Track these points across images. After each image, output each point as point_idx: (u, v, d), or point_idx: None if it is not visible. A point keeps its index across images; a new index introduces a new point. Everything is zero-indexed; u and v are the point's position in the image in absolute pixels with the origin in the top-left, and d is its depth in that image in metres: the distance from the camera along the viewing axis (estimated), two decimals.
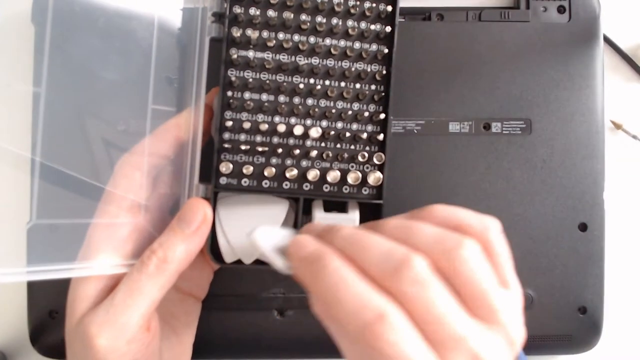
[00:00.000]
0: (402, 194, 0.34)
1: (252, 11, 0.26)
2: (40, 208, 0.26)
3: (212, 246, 0.27)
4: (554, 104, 0.34)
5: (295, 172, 0.26)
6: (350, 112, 0.27)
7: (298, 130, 0.26)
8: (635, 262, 0.38)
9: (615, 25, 0.38)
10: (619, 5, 0.39)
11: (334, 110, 0.27)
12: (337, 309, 0.19)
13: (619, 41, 0.39)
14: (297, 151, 0.26)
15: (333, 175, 0.26)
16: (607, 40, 0.38)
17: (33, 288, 0.33)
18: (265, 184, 0.27)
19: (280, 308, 0.33)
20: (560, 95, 0.34)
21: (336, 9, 0.26)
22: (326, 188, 0.27)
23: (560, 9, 0.35)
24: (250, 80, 0.26)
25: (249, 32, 0.26)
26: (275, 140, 0.27)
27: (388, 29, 0.27)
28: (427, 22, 0.34)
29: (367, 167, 0.27)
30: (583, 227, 0.34)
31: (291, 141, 0.27)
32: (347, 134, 0.27)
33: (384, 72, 0.27)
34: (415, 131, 0.34)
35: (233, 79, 0.26)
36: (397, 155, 0.33)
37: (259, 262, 0.28)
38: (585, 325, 0.34)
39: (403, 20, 0.34)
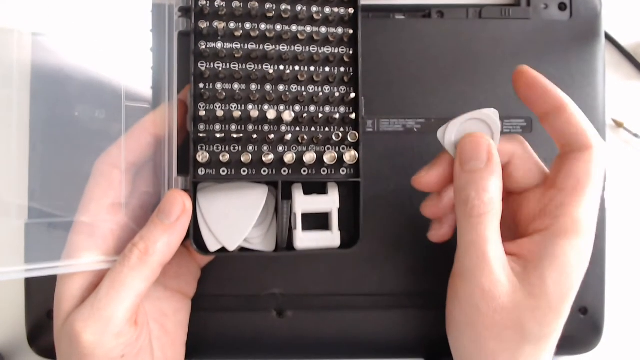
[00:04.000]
0: (404, 194, 0.33)
1: (218, 3, 0.27)
2: (37, 206, 0.27)
3: (195, 237, 0.27)
4: None
5: (271, 156, 0.27)
6: (321, 95, 0.28)
7: (271, 115, 0.27)
8: (636, 262, 0.38)
9: (617, 22, 0.38)
10: (621, 2, 0.39)
11: (305, 94, 0.27)
12: (582, 118, 0.27)
13: (620, 39, 0.39)
14: (272, 136, 0.27)
15: (309, 157, 0.27)
16: (608, 37, 0.38)
17: (31, 288, 0.32)
18: (244, 171, 0.27)
19: (279, 308, 0.33)
20: None
21: None
22: (304, 171, 0.27)
23: (561, 6, 0.35)
24: (221, 70, 0.27)
25: (215, 23, 0.27)
26: (250, 127, 0.27)
27: (351, 10, 0.28)
28: (427, 20, 0.35)
29: (343, 147, 0.28)
30: None
31: (266, 127, 0.27)
32: (320, 116, 0.27)
33: (351, 53, 0.28)
34: (416, 129, 0.34)
35: (203, 70, 0.27)
36: (397, 154, 0.34)
37: (243, 250, 0.28)
38: (586, 326, 0.34)
39: (403, 17, 0.35)
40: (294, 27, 0.27)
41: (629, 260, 0.38)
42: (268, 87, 0.27)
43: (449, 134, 0.27)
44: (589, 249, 0.26)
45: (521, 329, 0.25)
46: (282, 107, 0.27)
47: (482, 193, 0.26)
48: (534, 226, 0.27)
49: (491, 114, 0.27)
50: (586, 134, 0.26)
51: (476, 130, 0.27)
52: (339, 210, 0.28)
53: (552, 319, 0.26)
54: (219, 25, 0.27)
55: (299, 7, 0.27)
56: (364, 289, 0.33)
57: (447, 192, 0.29)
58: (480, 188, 0.26)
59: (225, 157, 0.26)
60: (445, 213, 0.30)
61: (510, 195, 0.29)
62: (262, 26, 0.27)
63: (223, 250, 0.27)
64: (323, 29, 0.28)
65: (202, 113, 0.26)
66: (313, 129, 0.28)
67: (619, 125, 0.38)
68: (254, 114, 0.27)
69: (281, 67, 0.27)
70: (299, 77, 0.27)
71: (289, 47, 0.27)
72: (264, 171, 0.27)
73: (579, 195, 0.26)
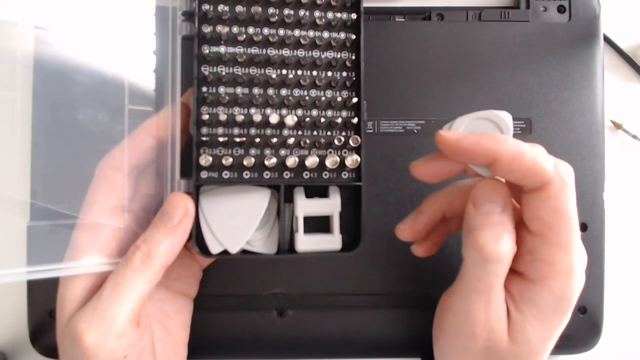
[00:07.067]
0: (404, 194, 0.34)
1: (221, 7, 0.27)
2: (39, 207, 0.27)
3: (198, 239, 0.27)
4: (554, 103, 0.34)
5: (274, 160, 0.27)
6: (323, 99, 0.28)
7: (274, 119, 0.27)
8: (635, 262, 0.38)
9: (615, 24, 0.39)
10: (619, 4, 0.39)
11: (307, 98, 0.28)
12: (522, 160, 0.24)
13: (619, 41, 0.39)
14: (274, 140, 0.27)
15: (312, 161, 0.27)
16: (607, 39, 0.38)
17: (33, 288, 0.33)
18: (246, 174, 0.27)
19: (280, 308, 0.33)
20: (560, 95, 0.34)
21: (303, 0, 0.27)
22: (306, 175, 0.28)
23: (560, 9, 0.35)
24: (224, 74, 0.27)
25: (219, 28, 0.27)
26: (253, 131, 0.27)
27: (354, 16, 0.28)
28: (427, 22, 0.35)
29: (345, 151, 0.28)
30: (583, 227, 0.34)
31: (268, 131, 0.27)
32: (323, 120, 0.27)
33: (354, 58, 0.28)
34: (415, 131, 0.34)
35: (207, 74, 0.27)
36: (397, 155, 0.34)
37: (245, 252, 0.28)
38: (585, 325, 0.34)
39: (403, 20, 0.35)
40: (296, 32, 0.28)
41: (628, 261, 0.38)
42: (271, 91, 0.27)
43: (455, 130, 0.26)
44: (571, 288, 0.25)
45: None
46: (284, 111, 0.28)
47: (500, 240, 0.24)
48: (515, 264, 0.26)
49: (504, 117, 0.26)
50: (537, 172, 0.24)
51: (485, 131, 0.26)
52: (340, 213, 0.28)
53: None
54: (222, 29, 0.27)
55: (301, 12, 0.27)
56: (363, 289, 0.34)
57: (421, 218, 0.29)
58: (497, 234, 0.24)
59: (227, 161, 0.26)
60: (419, 237, 0.29)
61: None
62: (265, 31, 0.27)
63: (225, 252, 0.27)
64: (325, 34, 0.28)
65: (205, 117, 0.27)
66: (315, 132, 0.28)
67: (617, 126, 0.39)
68: (257, 117, 0.27)
69: (284, 72, 0.28)
70: (301, 81, 0.27)
71: (291, 51, 0.28)
72: (267, 174, 0.27)
73: (548, 238, 0.25)
